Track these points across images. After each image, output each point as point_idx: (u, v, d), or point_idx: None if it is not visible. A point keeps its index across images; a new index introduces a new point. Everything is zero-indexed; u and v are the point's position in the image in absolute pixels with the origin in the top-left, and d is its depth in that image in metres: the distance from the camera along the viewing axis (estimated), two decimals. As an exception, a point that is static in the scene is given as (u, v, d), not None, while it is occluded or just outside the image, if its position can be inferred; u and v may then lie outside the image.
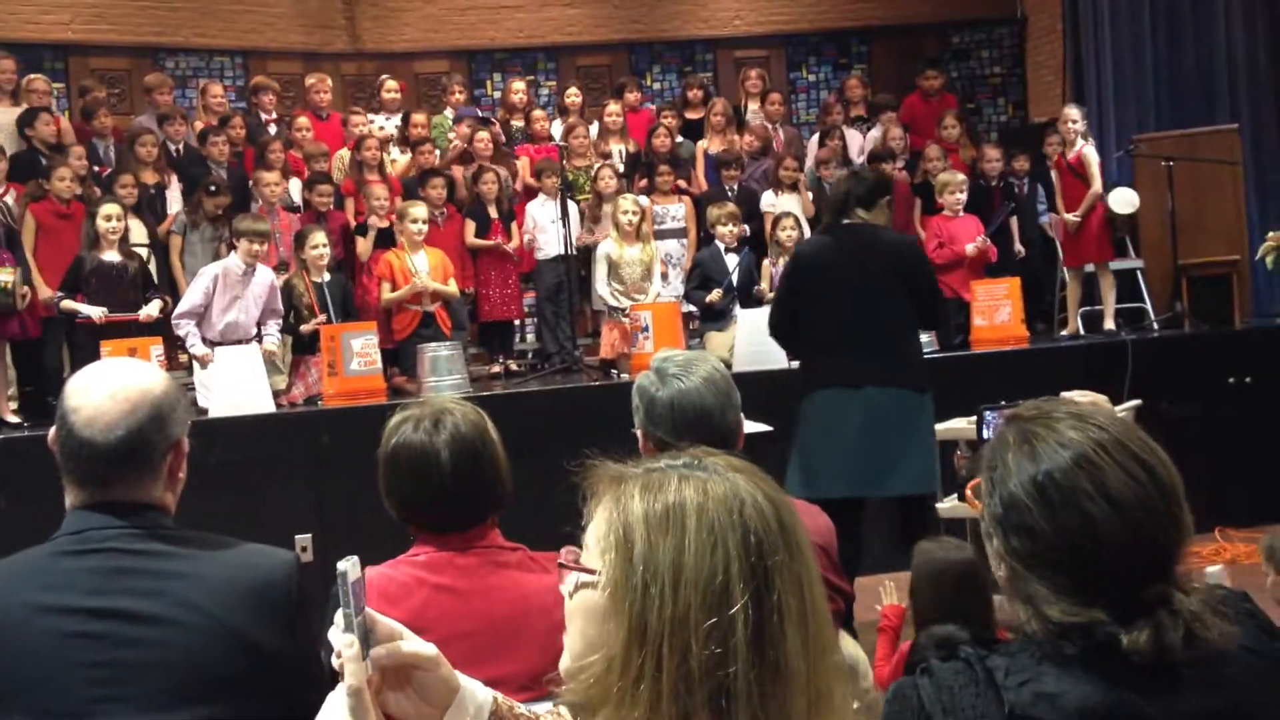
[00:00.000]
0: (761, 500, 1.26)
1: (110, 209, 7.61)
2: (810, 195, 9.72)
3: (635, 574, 1.22)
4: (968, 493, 1.92)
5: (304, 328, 7.67)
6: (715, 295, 8.51)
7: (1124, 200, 8.80)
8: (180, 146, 9.50)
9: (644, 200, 9.13)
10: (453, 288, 8.43)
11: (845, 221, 5.39)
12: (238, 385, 6.85)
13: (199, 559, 2.11)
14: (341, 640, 1.39)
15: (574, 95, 10.76)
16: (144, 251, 8.40)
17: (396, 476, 2.51)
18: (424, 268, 8.25)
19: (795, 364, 7.69)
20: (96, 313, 7.33)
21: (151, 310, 7.55)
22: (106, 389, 2.14)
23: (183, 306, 7.51)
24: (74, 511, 2.13)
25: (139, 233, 8.43)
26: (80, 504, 2.13)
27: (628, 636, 1.21)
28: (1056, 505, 1.58)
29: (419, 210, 8.34)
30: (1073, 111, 8.94)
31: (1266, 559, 3.72)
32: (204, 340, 7.38)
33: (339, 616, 1.41)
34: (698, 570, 1.20)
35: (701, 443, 2.40)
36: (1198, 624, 1.52)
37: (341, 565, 1.39)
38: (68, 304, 7.41)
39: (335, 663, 1.39)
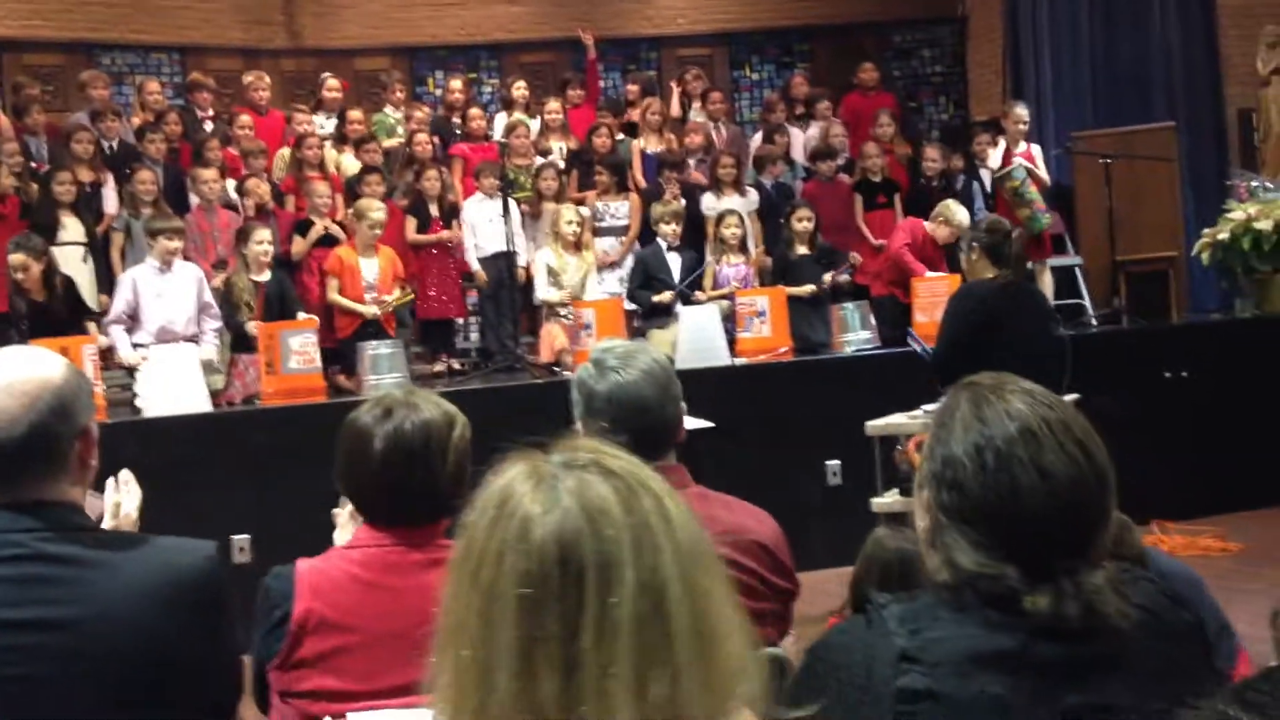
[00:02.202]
0: (612, 510, 1.24)
1: (17, 258, 7.24)
2: (756, 194, 9.72)
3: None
4: (909, 447, 1.99)
5: (249, 326, 7.55)
6: (666, 297, 8.50)
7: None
8: (115, 144, 9.36)
9: (585, 210, 9.11)
10: (408, 297, 8.34)
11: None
12: (173, 385, 6.75)
13: (114, 560, 2.02)
14: None
15: (521, 89, 10.69)
16: (79, 250, 8.30)
17: (340, 453, 2.48)
18: (374, 268, 8.17)
19: (737, 361, 7.73)
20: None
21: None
22: (3, 383, 2.02)
23: (110, 315, 7.43)
24: None
25: (75, 231, 8.32)
26: None
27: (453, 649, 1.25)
28: (991, 469, 1.65)
29: (377, 212, 8.23)
30: (1020, 111, 8.98)
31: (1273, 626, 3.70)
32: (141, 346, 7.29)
33: None
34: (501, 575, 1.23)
35: (641, 435, 2.41)
36: (1097, 598, 1.59)
37: None
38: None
39: None
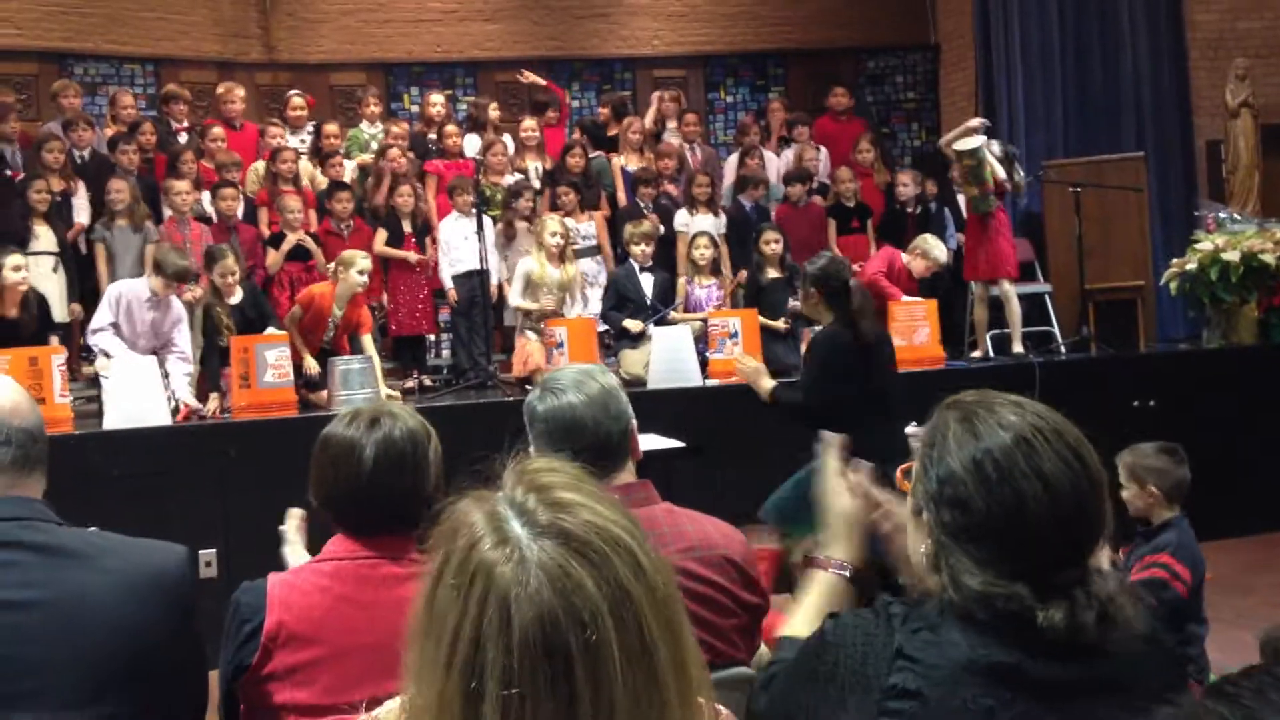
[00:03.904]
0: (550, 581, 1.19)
1: (15, 259, 7.22)
2: (725, 217, 9.76)
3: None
4: (898, 475, 1.97)
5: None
6: (637, 326, 8.50)
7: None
8: (86, 153, 9.32)
9: (570, 222, 9.11)
10: (367, 344, 8.17)
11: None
12: (134, 397, 6.68)
13: (93, 551, 2.10)
14: None
15: (494, 110, 10.72)
16: (50, 260, 8.25)
17: (319, 465, 2.50)
18: (338, 317, 8.00)
19: (709, 382, 7.75)
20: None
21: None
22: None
23: (95, 324, 7.38)
24: None
25: (47, 240, 8.28)
26: None
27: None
28: (993, 481, 1.65)
29: (365, 263, 8.03)
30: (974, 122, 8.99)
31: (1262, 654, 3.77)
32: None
33: None
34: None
35: (579, 452, 2.46)
36: (1111, 605, 1.59)
37: None
38: None
39: None
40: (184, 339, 7.53)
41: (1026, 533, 1.62)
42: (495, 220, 9.32)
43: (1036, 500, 1.62)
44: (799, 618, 2.05)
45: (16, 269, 7.19)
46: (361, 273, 7.92)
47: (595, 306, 9.00)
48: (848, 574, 2.09)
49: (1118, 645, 1.61)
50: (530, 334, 8.49)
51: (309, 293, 8.09)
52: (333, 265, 8.14)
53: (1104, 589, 1.60)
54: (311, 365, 7.84)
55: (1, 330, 7.13)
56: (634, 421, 2.76)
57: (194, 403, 7.24)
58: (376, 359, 7.96)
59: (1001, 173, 8.65)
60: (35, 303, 7.43)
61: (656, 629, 1.21)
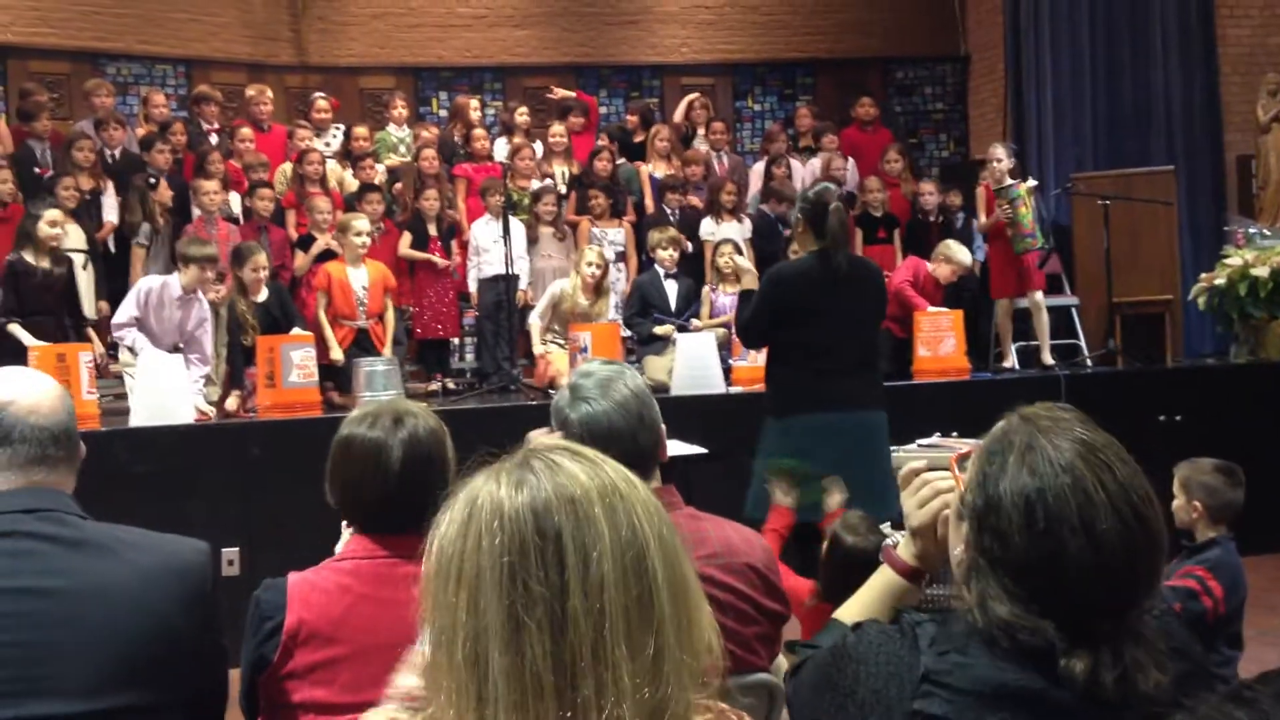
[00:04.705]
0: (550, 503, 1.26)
1: (54, 214, 7.51)
2: (750, 224, 9.76)
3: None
4: (951, 461, 1.90)
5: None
6: (667, 330, 8.51)
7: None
8: (117, 152, 9.38)
9: (609, 253, 9.05)
10: (389, 310, 8.35)
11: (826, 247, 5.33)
12: (160, 395, 6.70)
13: (116, 544, 2.11)
14: None
15: (523, 114, 10.75)
16: (80, 258, 8.31)
17: (345, 468, 2.48)
18: (363, 281, 8.19)
19: (732, 389, 7.73)
20: (29, 340, 7.17)
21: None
22: (33, 382, 2.23)
23: (118, 318, 7.42)
24: None
25: (76, 238, 8.33)
26: None
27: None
28: (1039, 528, 1.57)
29: (361, 223, 8.26)
30: (998, 150, 8.95)
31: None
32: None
33: None
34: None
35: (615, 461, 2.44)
36: (1136, 671, 1.54)
37: None
38: (14, 328, 7.28)
39: None
40: (207, 341, 7.57)
41: (1062, 583, 1.56)
42: (525, 225, 9.35)
43: (1080, 555, 1.55)
44: (853, 606, 2.01)
45: (53, 224, 7.47)
46: (358, 234, 8.10)
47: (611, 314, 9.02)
48: (911, 575, 2.01)
49: (1163, 694, 1.56)
50: (552, 346, 8.48)
51: (323, 273, 8.23)
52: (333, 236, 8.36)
53: (1133, 654, 1.55)
54: (336, 354, 7.92)
55: (34, 280, 7.39)
56: (663, 427, 2.72)
57: (205, 407, 7.27)
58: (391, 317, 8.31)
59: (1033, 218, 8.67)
60: (67, 262, 7.68)
61: (653, 536, 1.26)
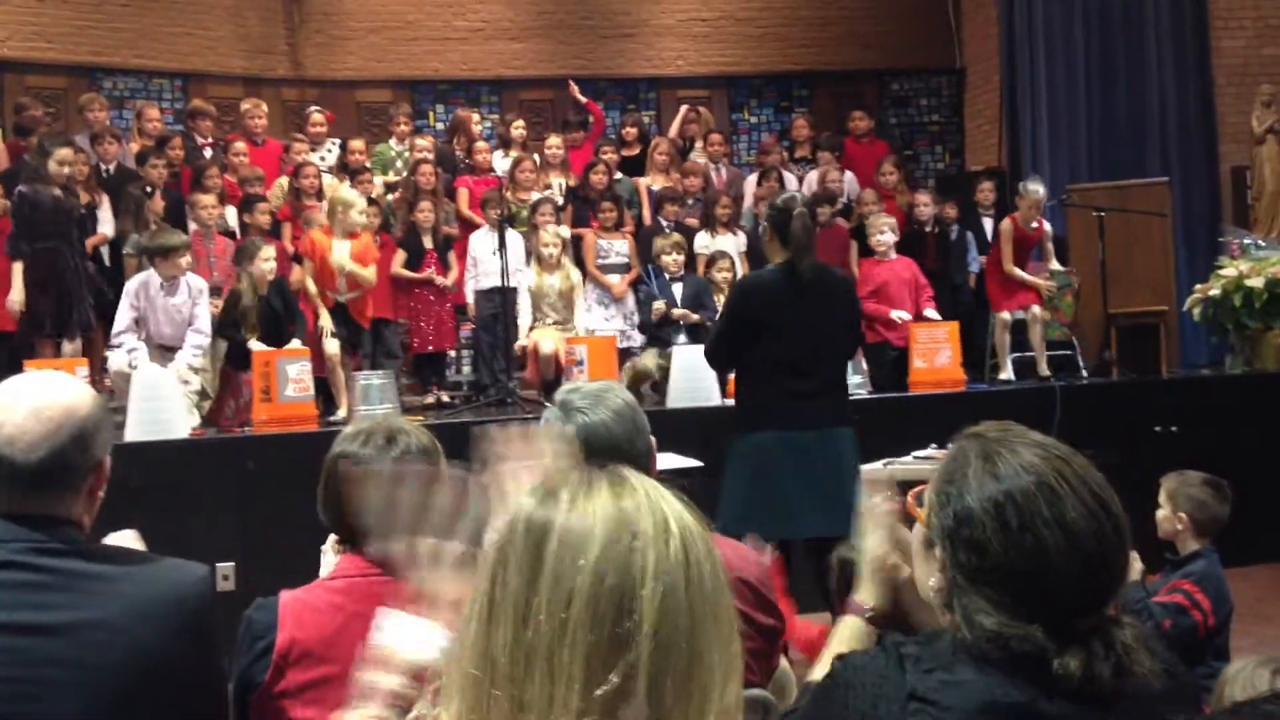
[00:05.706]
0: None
1: (65, 153, 7.71)
2: (745, 237, 9.77)
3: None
4: (909, 499, 1.93)
5: (252, 343, 7.52)
6: (660, 305, 8.60)
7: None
8: (112, 166, 9.37)
9: (564, 231, 9.18)
10: (370, 272, 8.27)
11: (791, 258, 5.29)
12: (155, 409, 6.70)
13: (113, 575, 2.06)
14: None
15: (519, 128, 10.76)
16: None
17: (336, 484, 2.47)
18: (345, 251, 8.13)
19: (727, 401, 7.72)
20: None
21: None
22: (30, 405, 2.06)
23: (118, 326, 7.42)
24: None
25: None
26: None
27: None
28: (1013, 527, 1.60)
29: (363, 201, 8.26)
30: (1038, 188, 8.90)
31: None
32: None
33: None
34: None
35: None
36: (1129, 658, 1.56)
37: None
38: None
39: None
40: (204, 314, 7.56)
41: (1045, 581, 1.58)
42: (522, 236, 9.35)
43: (1058, 550, 1.58)
44: (825, 662, 2.03)
45: (62, 163, 7.73)
46: (361, 212, 8.11)
47: (616, 324, 9.04)
48: (869, 617, 2.08)
49: (1134, 691, 1.58)
50: (539, 329, 8.55)
51: (308, 239, 8.24)
52: (326, 206, 8.39)
53: (1122, 639, 1.56)
54: (326, 322, 7.94)
55: (44, 207, 7.57)
56: (653, 439, 2.72)
57: (190, 377, 7.30)
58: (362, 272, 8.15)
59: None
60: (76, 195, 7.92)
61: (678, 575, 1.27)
